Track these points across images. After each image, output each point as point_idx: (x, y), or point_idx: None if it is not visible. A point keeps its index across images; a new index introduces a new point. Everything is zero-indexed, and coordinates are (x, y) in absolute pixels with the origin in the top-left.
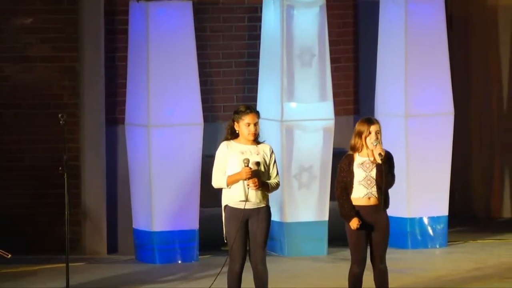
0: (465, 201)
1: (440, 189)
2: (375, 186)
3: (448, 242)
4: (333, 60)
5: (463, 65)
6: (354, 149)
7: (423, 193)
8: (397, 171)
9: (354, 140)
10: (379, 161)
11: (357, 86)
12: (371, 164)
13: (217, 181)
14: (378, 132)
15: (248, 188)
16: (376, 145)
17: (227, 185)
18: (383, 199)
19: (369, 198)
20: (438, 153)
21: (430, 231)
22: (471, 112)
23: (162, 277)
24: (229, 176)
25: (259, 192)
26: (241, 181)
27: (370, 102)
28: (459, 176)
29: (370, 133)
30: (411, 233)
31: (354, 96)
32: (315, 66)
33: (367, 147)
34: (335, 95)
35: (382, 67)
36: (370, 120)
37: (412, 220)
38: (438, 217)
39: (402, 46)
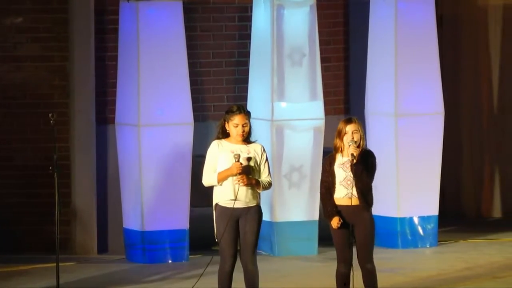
0: (455, 200)
1: (430, 188)
2: (354, 187)
3: (439, 241)
4: (323, 60)
5: (453, 65)
6: (335, 149)
7: (413, 193)
8: (387, 170)
9: (335, 140)
10: (353, 161)
11: (347, 85)
12: (350, 164)
13: (207, 179)
14: (355, 132)
15: (238, 186)
16: (350, 145)
17: (218, 182)
18: (365, 198)
19: (349, 198)
20: (428, 152)
21: (420, 231)
22: (461, 112)
23: (152, 277)
24: (219, 173)
25: (249, 191)
26: (231, 180)
27: (361, 102)
28: (449, 176)
29: (346, 132)
30: (401, 232)
31: (345, 95)
32: (305, 65)
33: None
34: (325, 94)
35: (373, 66)
36: (348, 120)
37: (402, 219)
38: (428, 217)
39: (392, 46)
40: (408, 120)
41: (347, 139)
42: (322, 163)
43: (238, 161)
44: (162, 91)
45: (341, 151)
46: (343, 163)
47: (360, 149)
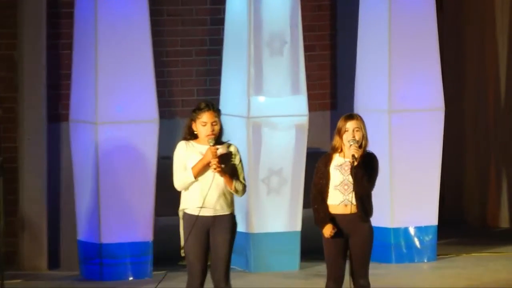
0: (457, 208)
1: (429, 194)
2: (352, 192)
3: (438, 255)
4: (307, 48)
5: (456, 54)
6: (334, 149)
7: (409, 199)
8: (380, 174)
9: (335, 139)
10: (353, 163)
11: (334, 77)
12: (349, 167)
13: (181, 178)
14: (357, 130)
15: (207, 191)
16: (351, 144)
17: (195, 177)
18: (363, 207)
19: (345, 205)
20: (426, 153)
21: (417, 243)
22: (465, 107)
23: None
24: (193, 167)
25: (221, 197)
26: (199, 184)
27: (350, 96)
28: (450, 180)
29: (346, 130)
30: (395, 245)
31: (331, 89)
32: (286, 54)
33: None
34: (309, 87)
35: (363, 56)
36: (349, 116)
37: (396, 230)
38: (426, 227)
39: (386, 33)
40: (403, 117)
41: (347, 137)
42: (311, 165)
43: (214, 145)
44: (123, 84)
45: (340, 151)
46: (340, 165)
47: (362, 150)
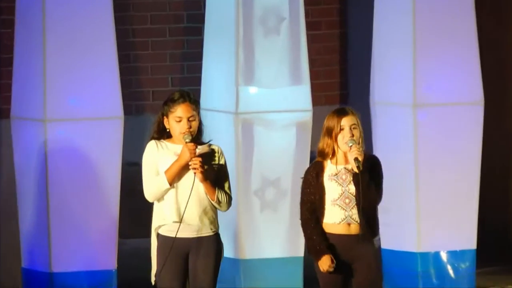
0: (500, 228)
1: (465, 210)
2: (355, 207)
3: (477, 287)
4: (310, 26)
5: (497, 35)
6: (324, 154)
7: (440, 217)
8: (401, 183)
9: (323, 142)
10: (356, 169)
11: (344, 63)
12: (348, 175)
13: (152, 187)
14: (354, 127)
15: (185, 203)
16: (351, 146)
17: (170, 183)
18: (369, 224)
19: (348, 224)
20: (462, 157)
21: (451, 272)
22: (510, 102)
23: None
24: (167, 170)
25: (202, 211)
26: (173, 194)
27: (364, 87)
28: (492, 192)
29: (342, 129)
30: (423, 274)
31: (341, 77)
32: (284, 34)
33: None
34: (313, 76)
35: (381, 36)
36: (342, 111)
37: (424, 255)
38: (462, 252)
39: (410, 7)
40: (431, 113)
41: (343, 138)
42: (304, 177)
43: (190, 141)
44: (78, 73)
45: (332, 157)
46: (336, 174)
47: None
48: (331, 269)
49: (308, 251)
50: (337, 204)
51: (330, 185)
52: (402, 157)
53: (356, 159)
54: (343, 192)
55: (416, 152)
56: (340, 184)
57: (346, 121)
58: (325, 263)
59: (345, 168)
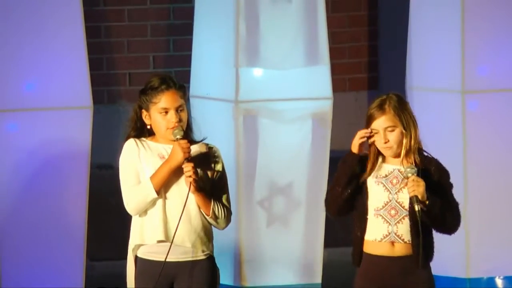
0: None
1: None
2: (404, 220)
3: None
4: None
5: None
6: (368, 151)
7: (494, 234)
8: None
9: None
10: (416, 209)
11: (374, 38)
12: (400, 179)
13: (134, 197)
14: (390, 129)
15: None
16: (407, 177)
17: (157, 192)
18: (423, 244)
19: (392, 243)
20: None
21: None
22: None
23: None
24: (154, 175)
25: (193, 228)
26: (160, 206)
27: (398, 69)
28: None
29: (376, 132)
30: None
31: (370, 56)
32: (297, 1)
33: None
34: (334, 54)
35: (419, 10)
36: (379, 107)
37: (475, 282)
38: None
39: None
40: (484, 100)
41: (379, 143)
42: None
43: (182, 138)
44: (36, 52)
45: (377, 155)
46: (386, 176)
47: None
48: (367, 134)
49: (338, 171)
50: (381, 215)
51: (376, 189)
52: (447, 154)
53: (415, 199)
54: (390, 201)
55: (464, 148)
56: (388, 190)
57: (379, 123)
58: (359, 136)
59: (398, 170)
